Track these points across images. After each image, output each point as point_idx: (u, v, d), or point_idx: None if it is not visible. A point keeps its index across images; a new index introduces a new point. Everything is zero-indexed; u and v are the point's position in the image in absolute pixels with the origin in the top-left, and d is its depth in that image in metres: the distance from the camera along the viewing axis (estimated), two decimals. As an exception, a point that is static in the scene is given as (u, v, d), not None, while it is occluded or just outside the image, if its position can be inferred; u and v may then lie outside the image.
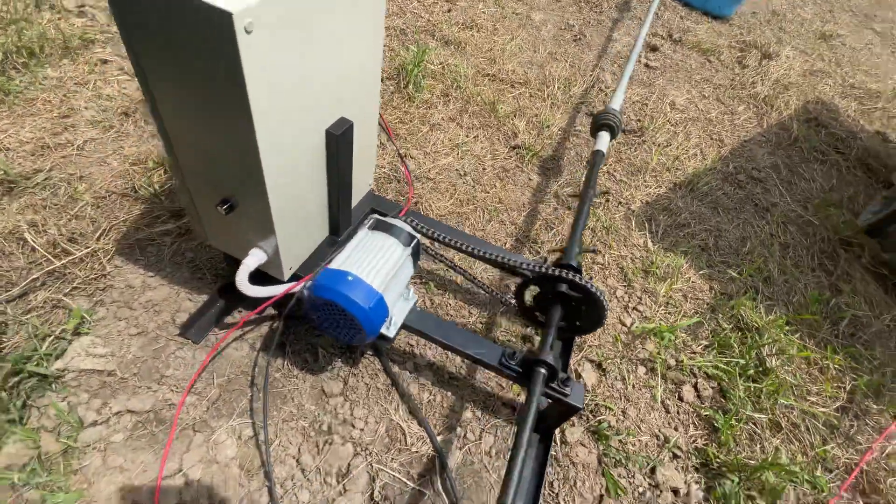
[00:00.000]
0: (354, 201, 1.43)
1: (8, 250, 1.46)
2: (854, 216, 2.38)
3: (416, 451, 1.34)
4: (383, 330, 1.21)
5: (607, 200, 2.17)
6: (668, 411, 1.57)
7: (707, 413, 1.57)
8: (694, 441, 1.52)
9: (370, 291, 1.12)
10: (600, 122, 1.83)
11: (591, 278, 1.87)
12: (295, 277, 1.28)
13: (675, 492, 1.40)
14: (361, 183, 1.47)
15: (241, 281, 1.17)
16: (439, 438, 1.37)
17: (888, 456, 1.57)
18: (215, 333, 1.44)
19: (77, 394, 1.26)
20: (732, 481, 1.41)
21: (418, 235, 1.31)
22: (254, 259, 1.18)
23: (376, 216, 1.31)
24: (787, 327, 1.82)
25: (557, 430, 1.43)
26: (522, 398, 1.49)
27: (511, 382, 1.52)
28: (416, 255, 1.30)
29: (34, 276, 1.42)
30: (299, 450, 1.28)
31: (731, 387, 1.63)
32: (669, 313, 1.81)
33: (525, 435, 0.97)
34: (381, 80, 2.26)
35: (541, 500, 1.26)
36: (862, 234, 2.26)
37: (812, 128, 2.91)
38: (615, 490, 1.36)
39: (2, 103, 1.84)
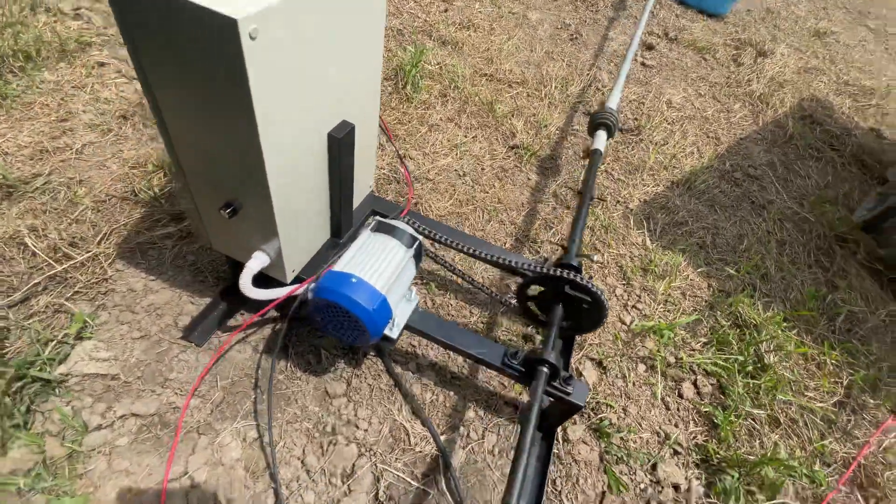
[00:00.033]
0: (355, 203, 1.44)
1: (9, 255, 1.45)
2: (849, 213, 2.41)
3: (420, 451, 1.35)
4: (387, 331, 1.21)
5: (604, 201, 2.19)
6: (668, 408, 1.59)
7: (707, 409, 1.58)
8: (694, 437, 1.53)
9: (374, 293, 1.12)
10: (597, 122, 1.84)
11: (591, 277, 1.88)
12: (297, 280, 1.29)
13: (676, 488, 1.42)
14: (362, 185, 1.48)
15: (245, 284, 1.18)
16: (442, 438, 1.38)
17: (885, 450, 1.60)
18: (218, 336, 1.44)
19: (81, 398, 1.26)
20: (732, 476, 1.43)
21: (420, 237, 1.32)
22: (257, 262, 1.19)
23: (378, 218, 1.31)
24: (785, 324, 1.84)
25: (559, 428, 1.44)
26: (524, 397, 1.51)
27: (512, 381, 1.53)
28: (418, 257, 1.31)
29: (35, 281, 1.42)
30: (304, 451, 1.29)
31: (730, 383, 1.65)
32: (668, 311, 1.83)
33: (529, 434, 0.98)
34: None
35: (544, 498, 1.28)
36: (857, 230, 2.28)
37: (807, 125, 2.93)
38: (617, 487, 1.38)
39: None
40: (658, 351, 1.69)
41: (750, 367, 1.69)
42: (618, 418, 1.52)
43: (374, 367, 1.48)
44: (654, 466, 1.44)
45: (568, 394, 1.19)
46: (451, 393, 1.48)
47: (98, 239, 1.55)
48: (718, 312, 1.86)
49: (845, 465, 1.55)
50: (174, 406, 1.29)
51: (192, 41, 0.81)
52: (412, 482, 1.29)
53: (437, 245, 1.78)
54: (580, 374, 1.59)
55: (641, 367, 1.66)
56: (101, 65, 2.11)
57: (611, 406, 1.54)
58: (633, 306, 1.81)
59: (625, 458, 1.44)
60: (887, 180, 2.52)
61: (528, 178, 2.20)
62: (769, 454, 1.47)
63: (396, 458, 1.32)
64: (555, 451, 1.40)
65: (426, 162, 2.13)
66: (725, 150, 2.65)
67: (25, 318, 1.35)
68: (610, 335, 1.71)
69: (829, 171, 2.69)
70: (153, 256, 1.57)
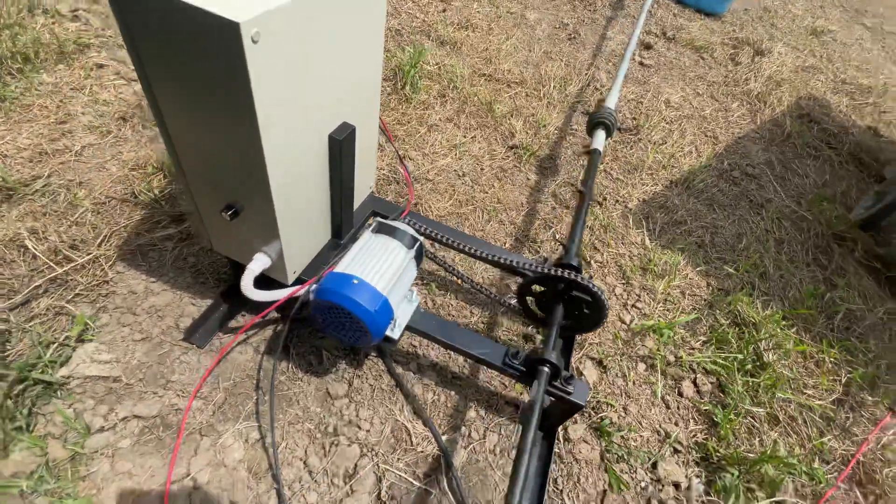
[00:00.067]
0: (356, 204, 1.44)
1: (9, 258, 1.45)
2: (847, 211, 2.42)
3: (422, 451, 1.35)
4: (388, 332, 1.22)
5: (601, 204, 2.19)
6: (668, 407, 1.60)
7: (706, 408, 1.59)
8: (694, 436, 1.54)
9: (375, 294, 1.13)
10: (596, 121, 1.85)
11: (591, 277, 1.89)
12: (299, 281, 1.29)
13: (677, 486, 1.43)
14: (363, 186, 1.48)
15: (247, 286, 1.18)
16: (444, 438, 1.38)
17: (884, 447, 1.61)
18: (219, 338, 1.45)
19: (83, 400, 1.27)
20: (732, 474, 1.44)
21: (421, 238, 1.32)
22: (258, 264, 1.19)
23: (379, 219, 1.32)
24: (784, 322, 1.85)
25: (560, 428, 1.44)
26: (525, 397, 1.51)
27: (513, 381, 1.54)
28: (419, 258, 1.31)
29: (36, 284, 1.42)
30: (306, 452, 1.29)
31: (729, 381, 1.66)
32: (668, 310, 1.84)
33: (530, 434, 0.99)
34: (379, 82, 2.27)
35: (545, 497, 1.28)
36: (855, 228, 2.29)
37: (805, 124, 2.94)
38: (618, 485, 1.38)
39: (-2, 110, 1.83)
40: (658, 350, 1.70)
41: (749, 366, 1.69)
42: (618, 417, 1.53)
43: (376, 367, 1.48)
44: (654, 465, 1.45)
45: (569, 393, 1.20)
46: (453, 393, 1.48)
47: (98, 241, 1.55)
48: (718, 311, 1.86)
49: (844, 463, 1.56)
50: (176, 408, 1.30)
51: (194, 44, 0.81)
52: (414, 482, 1.29)
53: (437, 245, 1.78)
54: (580, 374, 1.60)
55: (641, 366, 1.66)
56: (100, 66, 2.11)
57: (611, 405, 1.54)
58: (633, 305, 1.82)
59: (625, 457, 1.44)
60: (884, 178, 2.53)
61: (528, 178, 2.21)
62: (769, 452, 1.48)
63: (398, 459, 1.32)
64: (556, 450, 1.40)
65: (425, 162, 2.13)
66: (724, 149, 2.66)
67: (26, 321, 1.35)
68: (610, 334, 1.72)
69: (826, 170, 2.70)
70: (154, 258, 1.57)
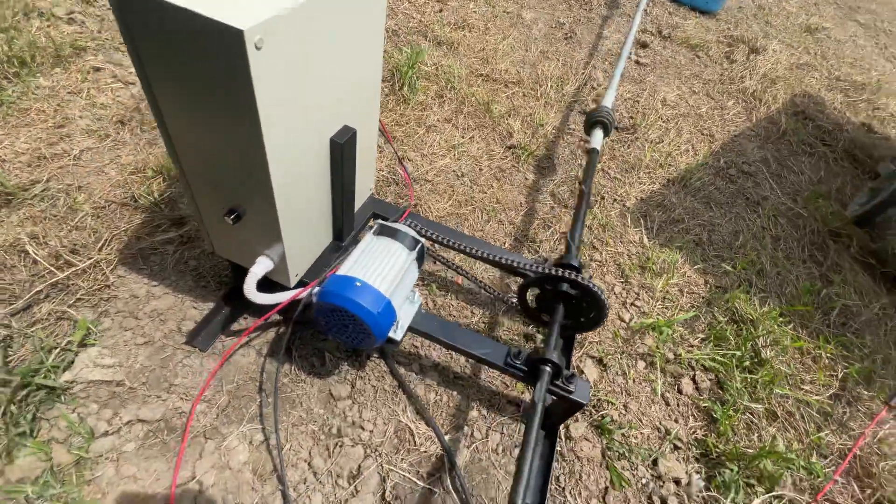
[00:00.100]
0: (356, 206, 1.45)
1: (10, 263, 1.45)
2: (842, 207, 2.44)
3: (425, 451, 1.36)
4: (391, 333, 1.23)
5: (601, 200, 2.21)
6: (668, 404, 1.61)
7: (706, 404, 1.61)
8: (694, 432, 1.56)
9: (378, 296, 1.14)
10: (594, 120, 1.86)
11: (591, 276, 1.90)
12: (301, 283, 1.30)
13: (677, 482, 1.44)
14: (363, 188, 1.49)
15: (249, 289, 1.18)
16: (447, 437, 1.39)
17: (880, 441, 1.63)
18: (222, 341, 1.45)
19: (87, 405, 1.27)
20: (732, 470, 1.46)
21: (422, 240, 1.33)
22: (261, 267, 1.20)
23: (381, 221, 1.32)
24: (781, 319, 1.87)
25: (562, 426, 1.46)
26: (526, 396, 1.52)
27: (515, 380, 1.55)
28: (420, 259, 1.32)
29: (38, 289, 1.42)
30: (310, 453, 1.30)
31: (728, 378, 1.67)
32: (667, 308, 1.85)
33: (533, 432, 1.00)
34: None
35: (548, 495, 1.30)
36: (850, 224, 2.31)
37: (800, 121, 2.96)
38: (619, 482, 1.40)
39: (-5, 114, 1.82)
40: (657, 347, 1.71)
41: (747, 362, 1.71)
42: (619, 415, 1.54)
43: (378, 368, 1.49)
44: (655, 461, 1.47)
45: (570, 392, 1.21)
46: (455, 393, 1.49)
47: (99, 245, 1.55)
48: (715, 308, 1.88)
49: (841, 457, 1.58)
50: (180, 411, 1.30)
51: (197, 49, 0.82)
52: (418, 482, 1.30)
53: (436, 246, 1.79)
54: (581, 372, 1.61)
55: (641, 364, 1.68)
56: (97, 69, 2.10)
57: (612, 403, 1.56)
58: (632, 304, 1.84)
59: (626, 454, 1.46)
60: (879, 175, 2.56)
61: (526, 178, 2.22)
62: (767, 447, 1.50)
63: (402, 459, 1.33)
64: (558, 448, 1.42)
65: (424, 163, 2.14)
66: (720, 147, 2.67)
67: (28, 326, 1.35)
68: (610, 333, 1.73)
69: (821, 167, 2.72)
70: (155, 262, 1.57)
